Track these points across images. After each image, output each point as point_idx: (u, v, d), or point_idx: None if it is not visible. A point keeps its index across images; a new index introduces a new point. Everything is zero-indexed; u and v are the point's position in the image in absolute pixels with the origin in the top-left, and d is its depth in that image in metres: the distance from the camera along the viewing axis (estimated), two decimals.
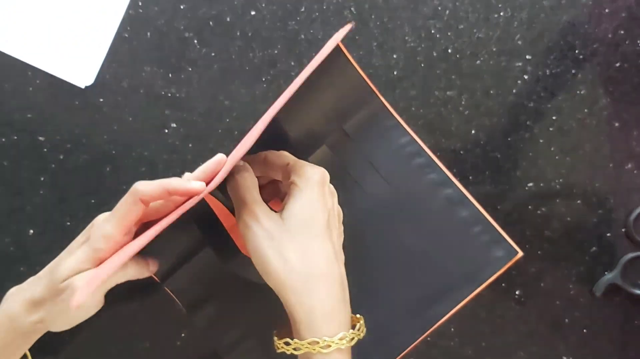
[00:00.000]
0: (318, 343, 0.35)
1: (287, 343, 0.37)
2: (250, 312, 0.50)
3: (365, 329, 0.40)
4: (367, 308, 0.43)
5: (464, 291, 0.48)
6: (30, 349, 0.53)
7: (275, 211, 0.38)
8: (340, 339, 0.35)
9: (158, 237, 0.40)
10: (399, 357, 0.47)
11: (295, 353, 0.36)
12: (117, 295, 0.44)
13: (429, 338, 0.51)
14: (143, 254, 0.44)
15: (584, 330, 0.51)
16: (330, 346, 0.35)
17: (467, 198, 0.48)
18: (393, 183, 0.46)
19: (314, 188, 0.38)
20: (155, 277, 0.48)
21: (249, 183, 0.39)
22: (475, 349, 0.52)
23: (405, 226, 0.49)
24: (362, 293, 0.45)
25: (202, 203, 0.45)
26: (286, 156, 0.41)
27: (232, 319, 0.50)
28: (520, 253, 0.47)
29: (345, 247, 0.43)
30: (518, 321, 0.51)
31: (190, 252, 0.49)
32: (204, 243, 0.48)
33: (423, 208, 0.49)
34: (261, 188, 0.41)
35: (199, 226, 0.46)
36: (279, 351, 0.38)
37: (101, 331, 0.53)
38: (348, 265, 0.43)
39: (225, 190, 0.42)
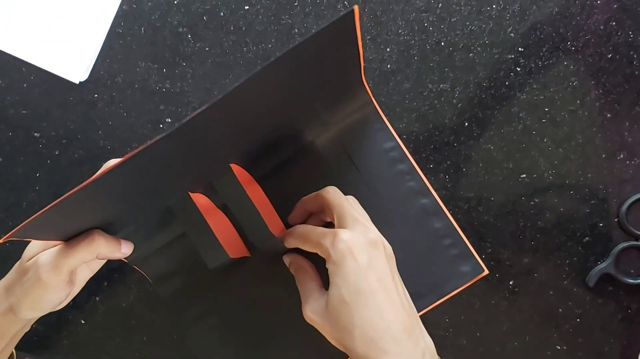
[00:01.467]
0: None
1: None
2: (216, 290, 0.50)
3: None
4: None
5: (425, 300, 0.49)
6: (27, 345, 0.54)
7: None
8: None
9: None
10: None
11: None
12: None
13: None
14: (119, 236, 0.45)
15: (578, 319, 0.51)
16: None
17: (442, 210, 0.49)
18: (372, 185, 0.46)
19: (341, 266, 0.38)
20: (124, 259, 0.48)
21: (302, 281, 0.43)
22: (469, 339, 0.52)
23: (378, 229, 0.49)
24: None
25: (192, 207, 0.45)
26: (315, 241, 0.40)
27: (197, 294, 0.50)
28: (486, 272, 0.47)
29: None
30: (512, 311, 0.51)
31: (165, 241, 0.49)
32: (183, 236, 0.49)
33: (398, 213, 0.50)
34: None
35: (187, 228, 0.46)
36: None
37: (98, 325, 0.53)
38: (316, 261, 0.44)
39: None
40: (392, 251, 0.41)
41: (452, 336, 0.52)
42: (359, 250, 0.38)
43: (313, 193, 0.44)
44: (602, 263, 0.50)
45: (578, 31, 0.51)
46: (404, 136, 0.51)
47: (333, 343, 0.39)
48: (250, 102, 0.38)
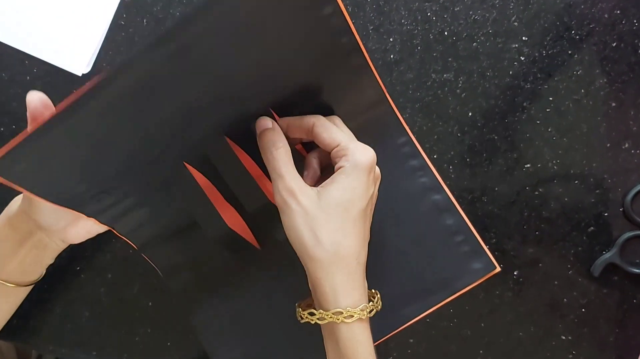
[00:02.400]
0: (342, 313, 0.38)
1: (311, 314, 0.39)
2: (225, 283, 0.50)
3: (381, 303, 0.41)
4: None
5: (437, 297, 0.49)
6: (32, 337, 0.54)
7: (312, 187, 0.40)
8: (362, 310, 0.38)
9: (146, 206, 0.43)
10: None
11: (320, 322, 0.39)
12: None
13: (427, 319, 0.51)
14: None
15: (582, 309, 0.51)
16: (352, 316, 0.38)
17: (454, 206, 0.49)
18: (383, 180, 0.46)
19: (360, 176, 0.39)
20: (134, 245, 0.48)
21: (285, 156, 0.40)
22: (473, 330, 0.52)
23: (390, 225, 0.49)
24: None
25: (189, 178, 0.45)
26: (336, 133, 0.41)
27: (206, 288, 0.50)
28: (498, 269, 0.47)
29: None
30: (516, 302, 0.51)
31: (174, 227, 0.49)
32: (189, 218, 0.48)
33: (410, 210, 0.49)
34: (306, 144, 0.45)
35: (184, 201, 0.46)
36: (302, 321, 0.40)
37: (102, 317, 0.54)
38: None
39: (223, 161, 0.44)
40: (379, 178, 0.44)
41: (457, 326, 0.52)
42: (377, 177, 0.41)
43: (302, 119, 0.43)
44: (607, 252, 0.50)
45: (582, 20, 0.50)
46: (407, 126, 0.51)
47: (298, 232, 0.38)
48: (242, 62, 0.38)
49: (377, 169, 0.42)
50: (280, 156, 0.40)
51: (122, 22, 0.53)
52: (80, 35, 0.53)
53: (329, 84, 0.45)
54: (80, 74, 0.53)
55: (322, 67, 0.44)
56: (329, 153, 0.41)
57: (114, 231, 0.47)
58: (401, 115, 0.51)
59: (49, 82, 0.53)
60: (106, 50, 0.53)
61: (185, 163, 0.45)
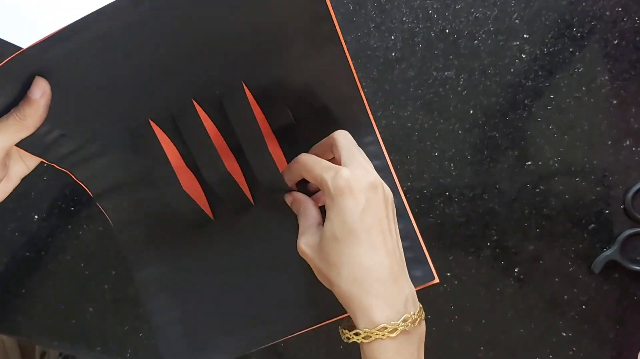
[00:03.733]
0: (360, 334, 0.38)
1: (357, 334, 0.39)
2: (176, 247, 0.50)
3: (420, 320, 0.40)
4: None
5: None
6: (37, 333, 0.54)
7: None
8: (380, 330, 0.37)
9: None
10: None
11: (365, 341, 0.38)
12: None
13: (428, 316, 0.52)
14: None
15: (583, 306, 0.51)
16: (370, 336, 0.37)
17: (406, 211, 0.48)
18: None
19: (340, 204, 0.39)
20: (88, 191, 0.48)
21: (303, 213, 0.44)
22: (474, 326, 0.52)
23: None
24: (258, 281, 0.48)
25: (152, 135, 0.45)
26: (315, 173, 0.41)
27: (157, 249, 0.50)
28: (436, 280, 0.46)
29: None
30: (517, 299, 0.52)
31: (131, 182, 0.49)
32: (147, 174, 0.48)
33: None
34: None
35: (145, 156, 0.46)
36: (349, 341, 0.40)
37: (106, 313, 0.54)
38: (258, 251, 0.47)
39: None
40: (392, 197, 0.42)
41: (458, 323, 0.52)
42: (358, 190, 0.39)
43: (326, 138, 0.45)
44: (607, 250, 0.50)
45: (584, 17, 0.50)
46: (408, 124, 0.51)
47: (320, 278, 0.41)
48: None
49: (365, 178, 0.40)
50: (300, 216, 0.44)
51: None
52: None
53: (305, 72, 0.45)
54: None
55: (299, 51, 0.44)
56: None
57: (72, 176, 0.47)
58: (402, 112, 0.51)
59: None
60: None
61: (150, 121, 0.45)
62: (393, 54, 0.51)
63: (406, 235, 0.48)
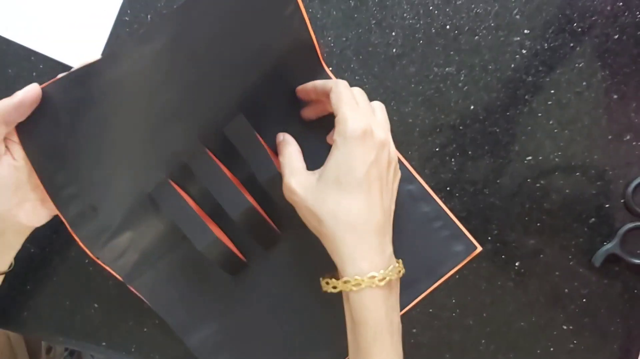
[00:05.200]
0: (350, 281, 0.39)
1: (327, 283, 0.41)
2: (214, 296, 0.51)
3: (402, 270, 0.42)
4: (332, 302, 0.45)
5: (423, 284, 0.50)
6: (42, 329, 0.55)
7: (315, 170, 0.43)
8: (371, 278, 0.39)
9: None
10: None
11: (334, 291, 0.41)
12: None
13: (430, 310, 0.52)
14: None
15: (584, 300, 0.52)
16: (360, 284, 0.39)
17: (429, 194, 0.49)
18: None
19: (350, 146, 0.40)
20: (119, 277, 0.49)
21: (287, 154, 0.44)
22: (476, 320, 0.53)
23: None
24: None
25: (176, 196, 0.46)
26: (338, 104, 0.42)
27: (199, 310, 0.51)
28: (479, 249, 0.48)
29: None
30: (518, 292, 0.52)
31: (161, 253, 0.50)
32: (172, 234, 0.49)
33: None
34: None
35: (171, 214, 0.47)
36: (323, 290, 0.42)
37: (110, 309, 0.55)
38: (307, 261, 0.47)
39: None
40: (397, 160, 0.44)
41: (459, 317, 0.53)
42: (372, 143, 0.40)
43: (324, 81, 0.46)
44: (608, 243, 0.51)
45: (584, 12, 0.50)
46: (410, 120, 0.52)
47: (308, 219, 0.42)
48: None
49: (379, 134, 0.41)
50: (285, 158, 0.44)
51: (127, 18, 0.53)
52: (86, 32, 0.54)
53: (291, 83, 0.48)
54: None
55: (283, 65, 0.46)
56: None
57: (99, 261, 0.48)
58: (403, 108, 0.52)
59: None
60: (111, 46, 0.54)
61: (170, 181, 0.46)
62: (394, 50, 0.52)
63: (437, 215, 0.50)
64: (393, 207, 0.44)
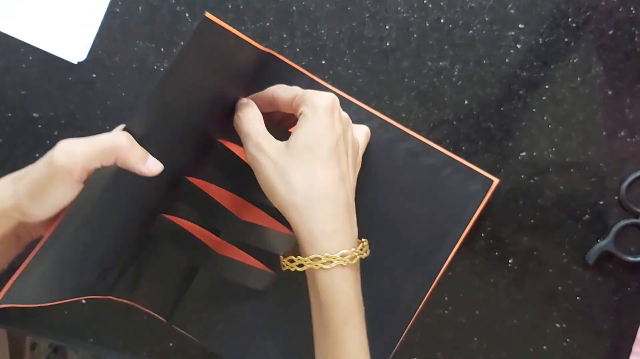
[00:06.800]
0: (320, 259, 0.37)
1: (291, 261, 0.39)
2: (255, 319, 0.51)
3: (368, 251, 0.41)
4: (366, 279, 0.42)
5: (454, 234, 0.48)
6: (28, 324, 0.54)
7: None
8: (342, 256, 0.37)
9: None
10: (414, 317, 0.49)
11: (299, 269, 0.38)
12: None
13: (421, 307, 0.51)
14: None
15: (577, 298, 0.51)
16: (332, 261, 0.37)
17: (428, 145, 0.48)
18: None
19: (320, 115, 0.39)
20: (161, 318, 0.50)
21: (251, 117, 0.41)
22: (468, 318, 0.52)
23: (374, 190, 0.49)
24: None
25: (171, 223, 0.47)
26: (294, 89, 0.42)
27: (241, 332, 0.51)
28: (496, 180, 0.46)
29: None
30: (511, 289, 0.51)
31: (183, 280, 0.49)
32: (194, 266, 0.49)
33: (386, 167, 0.49)
34: (280, 120, 0.45)
35: (183, 252, 0.48)
36: (284, 268, 0.40)
37: (99, 305, 0.54)
38: None
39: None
40: (358, 144, 0.43)
41: (451, 314, 0.52)
42: (338, 117, 0.39)
43: (261, 92, 0.44)
44: (602, 241, 0.50)
45: (579, 7, 0.50)
46: (403, 114, 0.51)
47: (270, 185, 0.39)
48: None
49: (344, 113, 0.41)
50: (247, 117, 0.41)
51: (117, 10, 0.53)
52: (76, 23, 0.53)
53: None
54: (76, 62, 0.53)
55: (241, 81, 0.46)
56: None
57: (137, 306, 0.50)
58: (396, 102, 0.51)
59: (45, 70, 0.53)
60: (102, 38, 0.53)
61: (165, 215, 0.47)
62: (387, 44, 0.51)
63: (443, 163, 0.48)
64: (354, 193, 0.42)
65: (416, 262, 0.48)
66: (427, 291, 0.49)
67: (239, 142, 0.43)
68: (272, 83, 0.44)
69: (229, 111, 0.44)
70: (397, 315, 0.49)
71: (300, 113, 0.40)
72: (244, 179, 0.44)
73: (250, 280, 0.48)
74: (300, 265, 0.38)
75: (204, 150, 0.46)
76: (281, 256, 0.41)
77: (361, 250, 0.39)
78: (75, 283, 0.42)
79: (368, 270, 0.44)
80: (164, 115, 0.38)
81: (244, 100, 0.44)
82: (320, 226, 0.37)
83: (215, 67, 0.41)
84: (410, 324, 0.49)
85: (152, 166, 0.36)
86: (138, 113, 0.36)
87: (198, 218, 0.48)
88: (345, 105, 0.49)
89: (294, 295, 0.45)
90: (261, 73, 0.48)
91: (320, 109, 0.39)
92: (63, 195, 0.34)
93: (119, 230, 0.44)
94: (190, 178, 0.46)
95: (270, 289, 0.49)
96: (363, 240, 0.42)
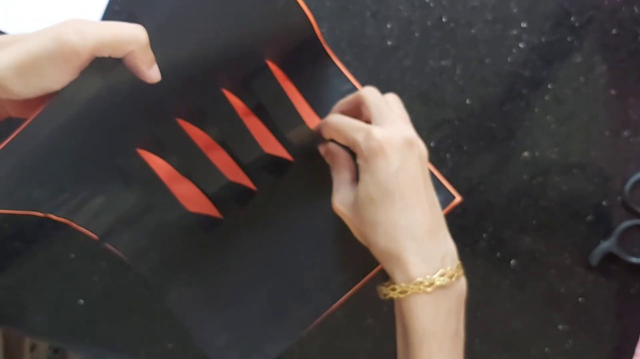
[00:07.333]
0: (396, 289, 0.38)
1: (394, 289, 0.39)
2: (196, 260, 0.50)
3: (458, 274, 0.40)
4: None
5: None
6: (24, 325, 0.54)
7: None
8: (416, 284, 0.38)
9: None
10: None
11: (402, 296, 0.38)
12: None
13: None
14: None
15: (580, 299, 0.51)
16: (406, 291, 0.38)
17: None
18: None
19: (374, 165, 0.39)
20: (94, 236, 0.48)
21: (335, 167, 0.45)
22: (470, 319, 0.51)
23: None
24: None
25: (143, 164, 0.45)
26: (349, 135, 0.41)
27: (177, 264, 0.50)
28: (458, 198, 0.46)
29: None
30: (513, 291, 0.51)
31: (133, 218, 0.49)
32: (145, 201, 0.48)
33: None
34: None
35: (140, 186, 0.46)
36: (386, 297, 0.40)
37: (96, 305, 0.53)
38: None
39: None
40: (426, 153, 0.41)
41: None
42: (392, 150, 0.38)
43: (351, 95, 0.44)
44: (605, 242, 0.50)
45: (582, 6, 0.50)
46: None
47: (357, 234, 0.42)
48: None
49: (396, 139, 0.39)
50: (335, 175, 0.45)
51: (117, 8, 0.52)
52: None
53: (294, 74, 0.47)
54: None
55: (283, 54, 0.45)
56: None
57: (72, 225, 0.47)
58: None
59: None
60: None
61: (138, 150, 0.45)
62: (389, 43, 0.51)
63: None
64: (437, 202, 0.41)
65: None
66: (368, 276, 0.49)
67: (242, 95, 0.43)
68: (308, 68, 0.45)
69: (244, 66, 0.43)
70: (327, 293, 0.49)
71: (359, 164, 0.40)
72: (232, 131, 0.44)
73: (196, 224, 0.47)
74: (403, 291, 0.38)
75: (202, 95, 0.44)
76: (381, 287, 0.41)
77: (441, 276, 0.38)
78: (24, 194, 0.40)
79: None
80: (176, 39, 0.37)
81: (330, 146, 0.46)
82: (393, 263, 0.39)
83: (255, 16, 0.40)
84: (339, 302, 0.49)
85: (155, 73, 0.34)
86: (152, 23, 0.34)
87: (177, 163, 0.47)
88: (341, 82, 0.49)
89: (243, 242, 0.49)
90: (299, 54, 0.47)
91: (373, 159, 0.39)
92: (57, 78, 0.30)
93: (89, 150, 0.41)
94: (180, 120, 0.45)
95: (222, 238, 0.50)
96: (459, 262, 0.41)
